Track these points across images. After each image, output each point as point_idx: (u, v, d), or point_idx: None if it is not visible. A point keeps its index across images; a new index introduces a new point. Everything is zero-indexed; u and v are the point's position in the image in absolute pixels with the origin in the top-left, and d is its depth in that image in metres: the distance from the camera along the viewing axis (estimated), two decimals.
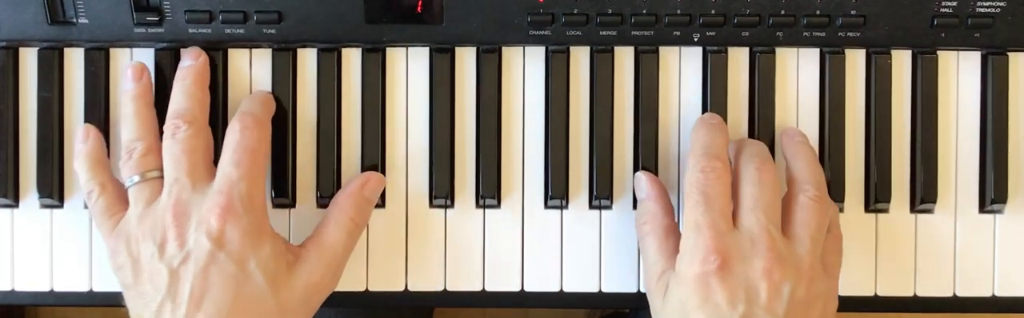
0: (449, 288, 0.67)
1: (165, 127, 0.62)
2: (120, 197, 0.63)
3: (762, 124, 0.66)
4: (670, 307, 0.60)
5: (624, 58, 0.67)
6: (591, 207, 0.67)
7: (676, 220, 0.64)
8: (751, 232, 0.59)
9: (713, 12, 0.65)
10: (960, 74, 0.67)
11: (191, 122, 0.62)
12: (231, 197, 0.59)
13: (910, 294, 0.67)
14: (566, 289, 0.67)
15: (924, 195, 0.66)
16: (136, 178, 0.62)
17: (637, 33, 0.65)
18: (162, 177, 0.62)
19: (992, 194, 0.66)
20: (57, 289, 0.67)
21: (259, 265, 0.59)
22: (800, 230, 0.61)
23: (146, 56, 0.66)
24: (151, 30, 0.65)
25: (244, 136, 0.61)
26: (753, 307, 0.58)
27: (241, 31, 0.65)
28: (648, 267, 0.63)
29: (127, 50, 0.67)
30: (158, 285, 0.59)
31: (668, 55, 0.67)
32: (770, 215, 0.60)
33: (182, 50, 0.66)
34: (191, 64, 0.65)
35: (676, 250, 0.61)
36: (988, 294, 0.67)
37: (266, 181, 0.65)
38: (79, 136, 0.65)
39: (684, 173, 0.62)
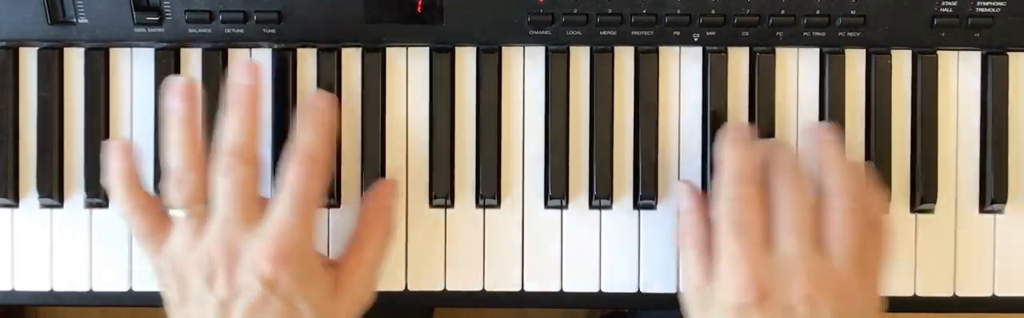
0: (449, 288, 0.67)
1: (218, 161, 0.60)
2: (160, 216, 0.61)
3: (762, 124, 0.66)
4: None
5: (624, 58, 0.67)
6: (591, 207, 0.67)
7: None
8: (788, 256, 0.59)
9: (713, 12, 0.65)
10: (960, 74, 0.67)
11: (246, 162, 0.60)
12: (284, 245, 0.58)
13: (910, 294, 0.67)
14: (566, 289, 0.67)
15: (924, 195, 0.66)
16: (186, 211, 0.60)
17: (637, 33, 0.65)
18: (207, 207, 0.60)
19: (992, 194, 0.66)
20: (57, 289, 0.67)
21: (309, 303, 0.59)
22: (835, 244, 0.59)
23: (146, 56, 0.66)
24: (151, 30, 0.65)
25: (303, 185, 0.60)
26: None
27: (241, 31, 0.65)
28: (686, 278, 0.62)
29: (127, 50, 0.67)
30: (206, 313, 0.59)
31: (668, 55, 0.67)
32: (805, 235, 0.59)
33: (235, 64, 0.63)
34: (248, 85, 0.61)
35: (713, 264, 0.60)
36: (988, 294, 0.67)
37: (270, 182, 0.65)
38: (111, 152, 0.62)
39: (714, 194, 0.61)
